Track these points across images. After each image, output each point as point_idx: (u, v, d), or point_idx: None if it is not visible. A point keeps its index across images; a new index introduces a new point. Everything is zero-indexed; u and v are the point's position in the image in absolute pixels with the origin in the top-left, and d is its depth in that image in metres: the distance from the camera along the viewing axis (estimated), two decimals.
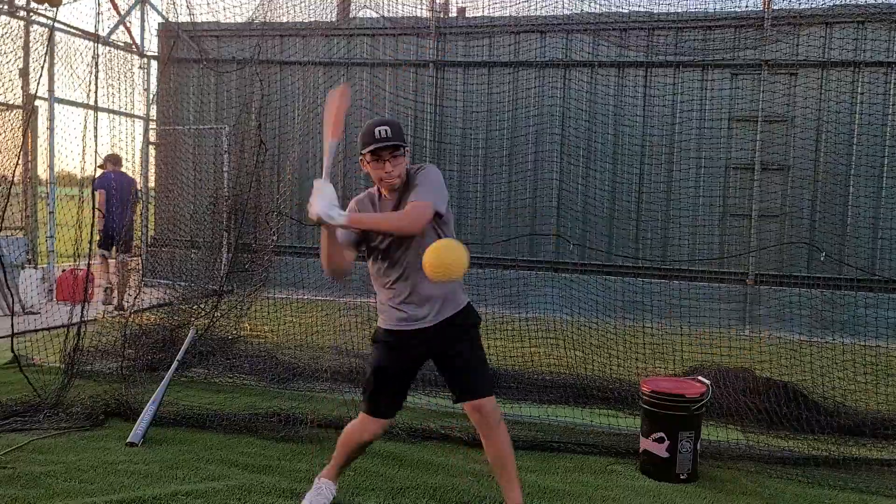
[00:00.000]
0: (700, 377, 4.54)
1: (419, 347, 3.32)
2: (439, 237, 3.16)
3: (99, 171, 8.83)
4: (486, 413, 3.23)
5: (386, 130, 3.15)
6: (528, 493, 3.83)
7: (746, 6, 9.25)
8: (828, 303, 8.93)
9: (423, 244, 3.03)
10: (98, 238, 8.77)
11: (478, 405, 3.23)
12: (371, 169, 3.23)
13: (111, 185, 8.91)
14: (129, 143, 10.09)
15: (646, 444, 4.21)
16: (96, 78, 5.52)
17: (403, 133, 3.25)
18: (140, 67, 11.62)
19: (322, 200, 2.96)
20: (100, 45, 9.32)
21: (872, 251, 9.26)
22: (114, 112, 10.72)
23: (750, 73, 9.61)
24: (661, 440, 4.12)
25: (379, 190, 3.34)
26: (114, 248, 8.87)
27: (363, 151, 3.20)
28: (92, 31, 9.35)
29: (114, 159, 9.36)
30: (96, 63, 5.68)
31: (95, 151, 5.53)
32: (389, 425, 3.56)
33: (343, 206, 3.11)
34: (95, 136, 5.27)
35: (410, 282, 3.24)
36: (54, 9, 7.71)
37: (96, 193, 8.67)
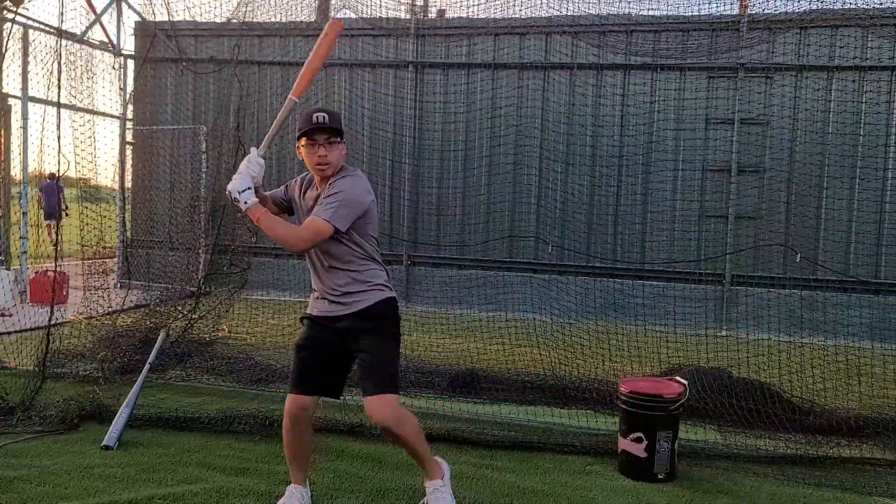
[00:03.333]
0: (678, 377, 4.58)
1: (327, 332, 3.37)
2: (347, 246, 3.28)
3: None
4: (370, 413, 3.22)
5: (324, 117, 3.26)
6: (507, 493, 3.84)
7: (723, 10, 9.35)
8: (803, 303, 9.06)
9: (329, 248, 3.26)
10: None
11: (366, 403, 3.24)
12: (305, 154, 3.31)
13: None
14: (106, 142, 9.98)
15: (624, 444, 4.23)
16: (59, 74, 5.45)
17: (342, 124, 3.35)
18: (114, 67, 11.46)
19: (240, 178, 3.17)
20: (72, 44, 9.19)
21: (846, 253, 9.40)
22: (87, 111, 10.58)
23: (726, 77, 9.72)
24: (639, 440, 4.15)
25: (312, 178, 3.42)
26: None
27: (298, 135, 3.28)
28: (65, 29, 9.21)
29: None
30: (59, 59, 5.61)
31: (59, 150, 5.42)
32: (307, 410, 3.38)
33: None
34: (59, 135, 5.19)
35: (318, 274, 3.38)
36: (16, 7, 7.59)
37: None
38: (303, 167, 3.41)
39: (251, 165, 3.20)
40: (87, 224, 6.83)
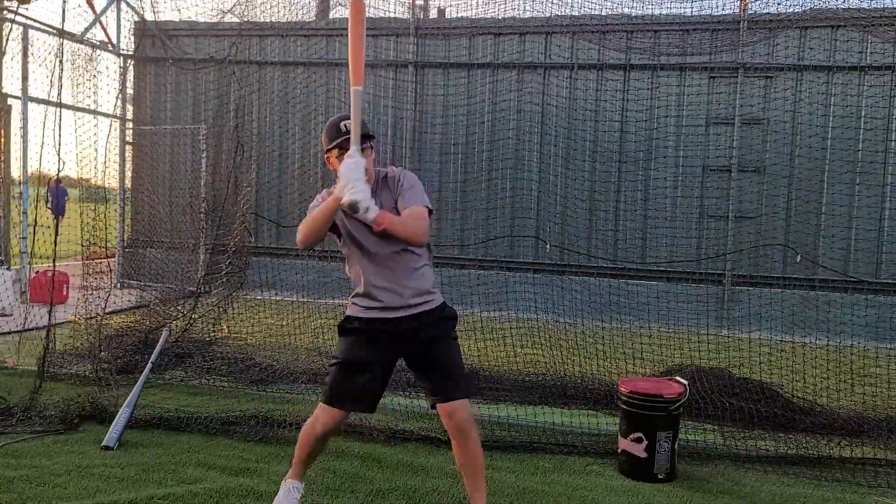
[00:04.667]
0: (678, 377, 4.58)
1: (390, 339, 3.23)
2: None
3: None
4: (460, 418, 3.16)
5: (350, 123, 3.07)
6: (508, 493, 3.84)
7: (723, 10, 9.36)
8: (803, 303, 9.06)
9: (403, 245, 3.12)
10: None
11: (451, 409, 3.16)
12: (338, 165, 3.09)
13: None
14: (105, 142, 9.97)
15: (624, 444, 4.23)
16: (60, 74, 5.44)
17: (369, 128, 3.21)
18: (118, 66, 11.46)
19: (359, 185, 2.86)
20: (72, 43, 9.19)
21: (846, 252, 9.40)
22: (87, 111, 10.58)
23: (727, 76, 9.71)
24: (639, 440, 4.15)
25: None
26: None
27: (330, 147, 3.16)
28: (66, 29, 9.22)
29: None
30: (61, 59, 5.61)
31: (59, 150, 5.41)
32: (344, 421, 3.37)
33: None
34: (59, 134, 5.18)
35: (382, 273, 3.20)
36: (24, 6, 7.58)
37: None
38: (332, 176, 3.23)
39: (360, 168, 2.90)
40: (87, 224, 6.83)
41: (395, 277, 3.19)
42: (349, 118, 3.07)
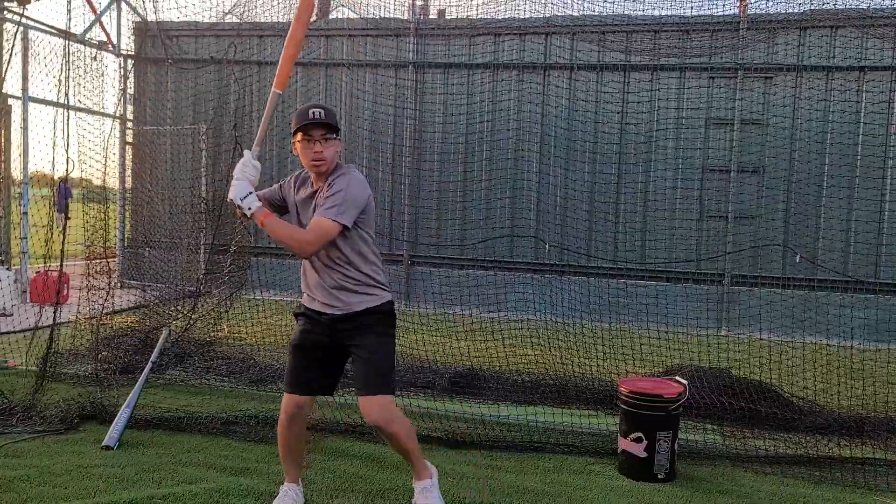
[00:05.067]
0: (677, 377, 4.59)
1: (323, 330, 3.34)
2: (348, 243, 3.25)
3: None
4: (363, 412, 3.25)
5: (320, 112, 3.23)
6: (507, 493, 3.84)
7: (723, 11, 9.36)
8: (802, 303, 9.07)
9: (330, 245, 3.22)
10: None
11: (361, 404, 3.26)
12: (301, 150, 3.26)
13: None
14: (103, 142, 9.97)
15: (624, 444, 4.23)
16: (67, 76, 5.45)
17: (337, 120, 3.32)
18: (119, 67, 11.47)
19: (238, 184, 3.13)
20: (73, 43, 9.18)
21: (845, 253, 9.41)
22: (88, 111, 10.58)
23: (726, 77, 9.72)
24: (639, 440, 4.15)
25: (307, 176, 3.40)
26: None
27: (295, 130, 3.26)
28: (66, 29, 9.22)
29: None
30: (67, 60, 5.61)
31: (67, 150, 5.43)
32: (303, 408, 3.39)
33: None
34: (67, 136, 5.19)
35: (317, 271, 3.32)
36: (23, 7, 7.58)
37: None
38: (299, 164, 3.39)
39: (247, 169, 3.16)
40: (88, 224, 6.83)
41: (331, 272, 3.29)
42: (318, 107, 3.25)
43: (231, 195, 3.11)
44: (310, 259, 3.31)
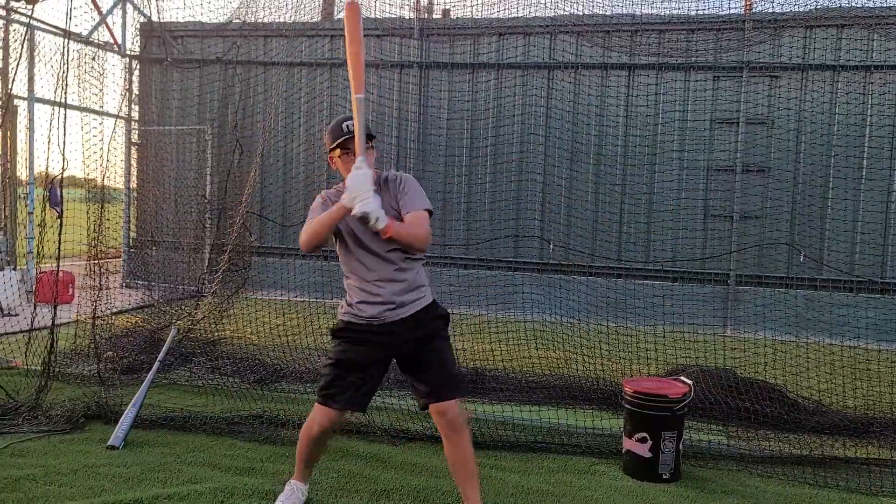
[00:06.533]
0: (682, 377, 4.57)
1: (384, 341, 3.24)
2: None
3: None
4: (453, 416, 3.18)
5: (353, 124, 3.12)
6: (511, 493, 3.84)
7: (728, 9, 9.33)
8: (807, 303, 9.04)
9: (397, 246, 3.14)
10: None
11: (444, 408, 3.17)
12: (341, 165, 3.21)
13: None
14: (107, 142, 10.01)
15: (629, 444, 4.23)
16: (66, 75, 5.45)
17: (370, 127, 3.25)
18: (124, 67, 11.49)
19: (368, 194, 2.90)
20: (74, 43, 9.21)
21: (851, 252, 9.37)
22: (93, 111, 10.61)
23: (731, 76, 9.70)
24: (643, 440, 4.14)
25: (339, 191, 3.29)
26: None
27: (332, 147, 3.20)
28: (72, 29, 9.25)
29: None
30: (66, 60, 5.62)
31: (64, 150, 5.40)
32: (339, 421, 3.38)
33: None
34: (64, 135, 5.19)
35: (380, 276, 3.22)
36: (31, 6, 7.60)
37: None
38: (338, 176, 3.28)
39: (368, 179, 2.94)
40: (93, 224, 6.85)
41: (392, 274, 3.22)
42: (351, 119, 3.12)
43: (367, 209, 2.88)
44: (365, 265, 3.22)
